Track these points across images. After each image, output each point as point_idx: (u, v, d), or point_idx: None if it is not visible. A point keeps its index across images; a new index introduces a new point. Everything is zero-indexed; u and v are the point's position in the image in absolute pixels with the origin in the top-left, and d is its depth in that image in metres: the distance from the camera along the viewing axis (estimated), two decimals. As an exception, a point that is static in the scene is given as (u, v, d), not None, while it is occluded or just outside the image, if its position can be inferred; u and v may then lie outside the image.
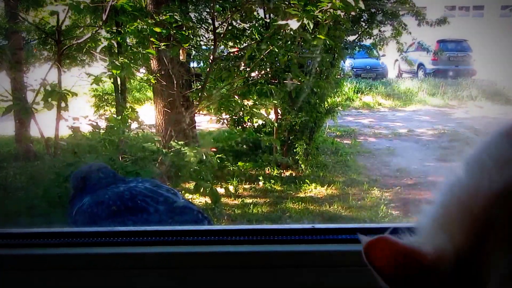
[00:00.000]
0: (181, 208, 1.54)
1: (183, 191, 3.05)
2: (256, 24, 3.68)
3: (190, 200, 2.87)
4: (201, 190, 2.72)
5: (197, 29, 3.97)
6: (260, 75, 3.81)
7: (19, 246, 1.00)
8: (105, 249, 1.01)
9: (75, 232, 1.06)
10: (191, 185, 3.07)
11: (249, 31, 3.64)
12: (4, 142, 4.79)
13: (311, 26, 2.86)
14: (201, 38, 4.05)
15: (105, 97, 4.82)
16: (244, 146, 4.32)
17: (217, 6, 3.41)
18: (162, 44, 3.17)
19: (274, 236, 0.98)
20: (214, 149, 3.21)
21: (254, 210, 3.61)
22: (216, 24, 3.57)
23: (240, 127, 4.47)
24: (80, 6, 2.74)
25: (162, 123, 3.91)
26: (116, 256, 0.99)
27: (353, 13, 3.58)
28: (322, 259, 0.92)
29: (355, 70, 8.09)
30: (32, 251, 0.99)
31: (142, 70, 3.98)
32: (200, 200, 3.21)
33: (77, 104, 4.06)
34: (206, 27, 3.99)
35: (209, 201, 2.99)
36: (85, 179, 1.59)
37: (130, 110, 3.39)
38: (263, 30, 3.53)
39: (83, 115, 3.37)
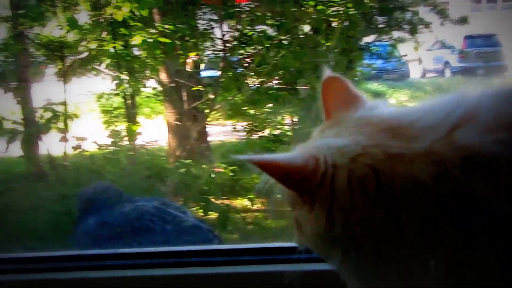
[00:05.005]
0: (189, 228, 1.54)
1: (196, 208, 3.05)
2: (266, 30, 3.69)
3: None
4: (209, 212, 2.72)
5: (205, 38, 4.00)
6: (272, 82, 3.81)
7: (17, 272, 1.01)
8: (107, 272, 1.01)
9: (75, 255, 1.06)
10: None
11: (258, 37, 3.65)
12: (15, 162, 4.89)
13: (323, 28, 2.85)
14: (210, 47, 4.08)
15: (115, 113, 4.86)
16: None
17: (223, 13, 3.43)
18: (166, 56, 3.21)
19: (286, 254, 0.95)
20: (218, 170, 3.20)
21: (271, 225, 3.57)
22: (224, 31, 3.59)
23: (255, 136, 4.44)
24: (76, 22, 2.79)
25: (172, 137, 3.94)
26: (118, 280, 0.99)
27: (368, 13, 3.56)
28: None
29: (375, 72, 8.01)
30: (31, 277, 1.00)
31: (150, 83, 4.02)
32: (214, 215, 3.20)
33: (86, 121, 4.12)
34: (213, 36, 4.01)
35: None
36: (91, 201, 1.61)
37: (133, 124, 3.43)
38: (274, 35, 3.53)
39: (92, 132, 3.42)
